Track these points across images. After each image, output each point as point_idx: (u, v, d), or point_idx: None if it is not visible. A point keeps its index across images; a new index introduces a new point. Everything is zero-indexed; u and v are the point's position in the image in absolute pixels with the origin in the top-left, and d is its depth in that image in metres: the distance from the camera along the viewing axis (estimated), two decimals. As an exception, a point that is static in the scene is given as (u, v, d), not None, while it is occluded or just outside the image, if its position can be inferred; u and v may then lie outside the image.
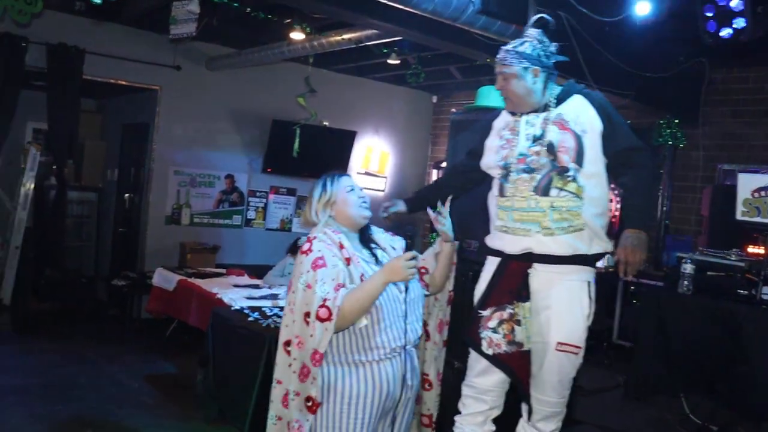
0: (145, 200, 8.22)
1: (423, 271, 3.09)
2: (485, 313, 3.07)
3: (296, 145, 7.82)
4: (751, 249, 5.30)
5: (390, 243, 3.03)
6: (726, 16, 4.51)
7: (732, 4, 4.44)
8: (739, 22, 4.44)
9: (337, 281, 2.58)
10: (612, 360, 6.80)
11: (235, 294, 5.96)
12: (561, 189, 2.99)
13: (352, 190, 2.84)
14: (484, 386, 3.16)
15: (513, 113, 3.22)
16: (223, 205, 8.61)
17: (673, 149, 7.63)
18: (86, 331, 7.54)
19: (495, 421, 3.25)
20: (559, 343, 3.01)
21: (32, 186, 8.23)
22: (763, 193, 4.44)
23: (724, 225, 5.95)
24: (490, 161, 3.26)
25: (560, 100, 3.12)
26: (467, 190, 3.51)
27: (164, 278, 7.02)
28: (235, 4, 5.79)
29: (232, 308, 5.34)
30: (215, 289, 6.16)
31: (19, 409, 5.01)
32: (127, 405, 5.28)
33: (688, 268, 4.64)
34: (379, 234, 3.03)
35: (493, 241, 3.22)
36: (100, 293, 9.08)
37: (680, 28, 5.55)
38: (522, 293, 3.04)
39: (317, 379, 2.59)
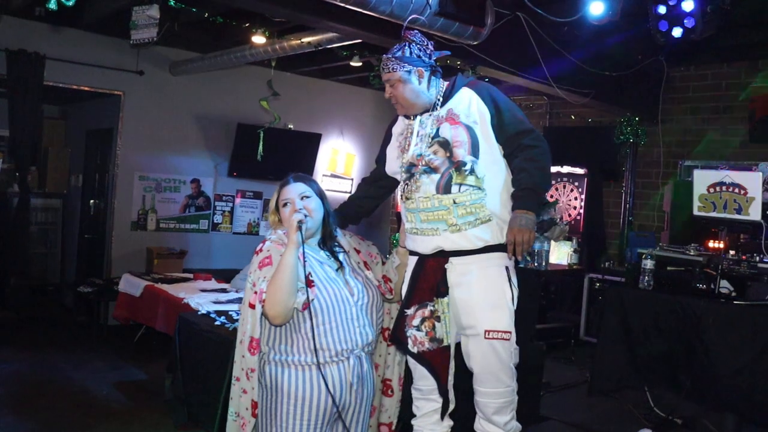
0: (111, 206, 8.14)
1: (387, 278, 3.13)
2: (409, 311, 3.11)
3: (261, 148, 7.82)
4: (711, 244, 5.40)
5: (355, 246, 3.06)
6: (677, 15, 4.60)
7: (682, 3, 4.53)
8: (690, 22, 4.54)
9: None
10: (579, 356, 6.90)
11: (201, 298, 5.94)
12: (461, 184, 3.01)
13: (285, 205, 2.85)
14: (428, 387, 3.18)
15: (407, 117, 3.27)
16: (190, 210, 8.57)
17: (635, 147, 7.76)
18: (53, 338, 7.47)
19: (453, 416, 3.28)
20: (487, 331, 3.02)
21: (-6, 194, 8.17)
22: (718, 189, 4.51)
23: (686, 221, 6.06)
24: (393, 167, 3.31)
25: (448, 95, 3.16)
26: (383, 197, 3.55)
27: (131, 284, 6.98)
28: (194, 9, 5.77)
29: (199, 313, 5.33)
30: (182, 294, 6.14)
31: (-14, 419, 4.98)
32: (97, 412, 5.23)
33: (648, 263, 4.70)
34: (344, 238, 3.06)
35: (408, 243, 3.25)
36: (67, 300, 9.00)
37: (637, 28, 5.64)
38: (440, 289, 3.08)
39: (253, 379, 2.67)
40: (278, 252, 2.69)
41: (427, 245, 3.12)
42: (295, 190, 2.87)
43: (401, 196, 3.22)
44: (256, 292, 2.63)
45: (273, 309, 2.60)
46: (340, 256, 2.92)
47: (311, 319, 2.65)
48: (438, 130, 3.10)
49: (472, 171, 3.01)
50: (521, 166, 3.03)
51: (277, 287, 2.59)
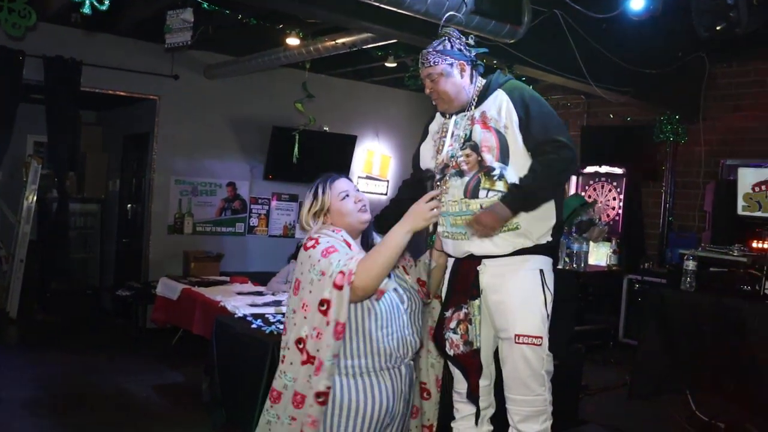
0: (148, 210, 8.22)
1: (422, 282, 3.03)
2: (447, 314, 3.07)
3: (296, 150, 7.82)
4: (754, 244, 5.29)
5: None
6: (721, 9, 4.48)
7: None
8: (734, 15, 4.43)
9: (353, 257, 2.50)
10: (618, 358, 6.80)
11: (238, 301, 5.95)
12: (489, 189, 2.94)
13: (347, 196, 2.72)
14: (467, 390, 3.13)
15: (443, 115, 3.20)
16: (226, 213, 8.61)
17: (675, 145, 7.62)
18: (93, 342, 7.54)
19: (493, 420, 3.23)
20: (517, 336, 2.95)
21: (35, 199, 8.27)
22: (763, 188, 4.42)
23: (728, 220, 5.93)
24: (427, 166, 3.24)
25: (484, 96, 3.07)
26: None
27: (168, 287, 7.01)
28: (227, 12, 5.79)
29: (236, 316, 5.34)
30: (218, 297, 6.15)
31: (29, 421, 5.01)
32: (136, 415, 5.27)
33: (690, 264, 4.62)
34: (379, 239, 3.00)
35: (443, 245, 3.19)
36: (106, 304, 9.09)
37: (678, 23, 5.53)
38: (473, 291, 3.02)
39: (325, 372, 2.48)
40: (342, 246, 2.57)
41: (457, 249, 3.07)
42: (347, 182, 2.77)
43: None
44: (342, 272, 2.43)
45: (366, 281, 2.43)
46: None
47: (373, 321, 2.57)
48: (471, 132, 3.02)
49: (501, 177, 2.94)
50: (533, 166, 2.94)
51: (380, 264, 2.45)
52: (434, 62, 3.04)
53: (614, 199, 8.06)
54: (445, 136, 3.14)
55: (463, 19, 3.83)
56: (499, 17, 4.89)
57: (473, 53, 3.12)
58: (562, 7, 5.20)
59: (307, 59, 6.94)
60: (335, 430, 2.57)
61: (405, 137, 9.91)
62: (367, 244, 2.82)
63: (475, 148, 2.98)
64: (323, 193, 2.71)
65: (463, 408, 3.20)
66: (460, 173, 3.01)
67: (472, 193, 2.97)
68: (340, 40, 6.13)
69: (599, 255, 7.58)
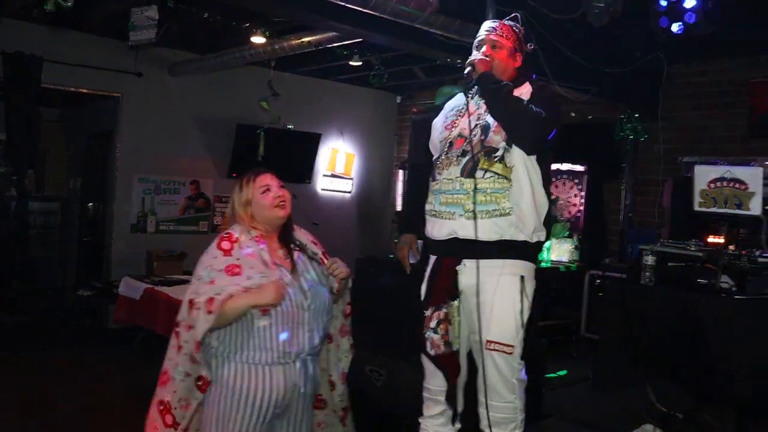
0: (110, 209, 8.15)
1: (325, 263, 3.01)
2: (427, 313, 3.08)
3: (261, 149, 7.81)
4: (711, 239, 5.39)
5: (312, 239, 3.03)
6: (678, 11, 4.59)
7: (684, -1, 4.54)
8: (691, 17, 4.53)
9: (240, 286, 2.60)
10: (581, 353, 6.89)
11: (202, 300, 5.90)
12: (486, 170, 2.95)
13: (268, 190, 2.83)
14: (437, 388, 3.14)
15: (466, 95, 3.20)
16: (189, 212, 8.56)
17: (635, 143, 7.74)
18: (56, 342, 7.45)
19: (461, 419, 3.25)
20: (489, 342, 2.95)
21: (-8, 198, 8.15)
22: (718, 184, 4.51)
23: (686, 216, 6.03)
24: (434, 139, 3.25)
25: (513, 83, 3.12)
26: None
27: (130, 287, 6.92)
28: (192, 9, 5.76)
29: (200, 314, 5.31)
30: (182, 297, 6.09)
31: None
32: (102, 416, 5.23)
33: (649, 259, 4.69)
34: (300, 231, 3.01)
35: (426, 228, 3.20)
36: (68, 304, 8.98)
37: (638, 24, 5.63)
38: (452, 291, 3.03)
39: (203, 362, 2.66)
40: (249, 263, 2.67)
41: (442, 230, 3.06)
42: (272, 178, 2.87)
43: (431, 176, 3.19)
44: (213, 298, 2.56)
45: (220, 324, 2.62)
46: (294, 255, 2.87)
47: (265, 319, 2.65)
48: (485, 113, 3.06)
49: (501, 159, 2.95)
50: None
51: (224, 318, 2.59)
52: (507, 36, 3.18)
53: (576, 195, 8.17)
54: (461, 115, 3.15)
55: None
56: (463, 16, 4.94)
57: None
58: (525, 7, 5.26)
59: (272, 57, 6.94)
60: (224, 412, 2.66)
61: (369, 135, 9.94)
62: (287, 242, 2.88)
63: (485, 129, 3.01)
64: (248, 185, 2.84)
65: (430, 406, 3.19)
66: (462, 152, 3.03)
67: (469, 172, 2.98)
68: (305, 39, 6.14)
69: (561, 251, 7.68)
